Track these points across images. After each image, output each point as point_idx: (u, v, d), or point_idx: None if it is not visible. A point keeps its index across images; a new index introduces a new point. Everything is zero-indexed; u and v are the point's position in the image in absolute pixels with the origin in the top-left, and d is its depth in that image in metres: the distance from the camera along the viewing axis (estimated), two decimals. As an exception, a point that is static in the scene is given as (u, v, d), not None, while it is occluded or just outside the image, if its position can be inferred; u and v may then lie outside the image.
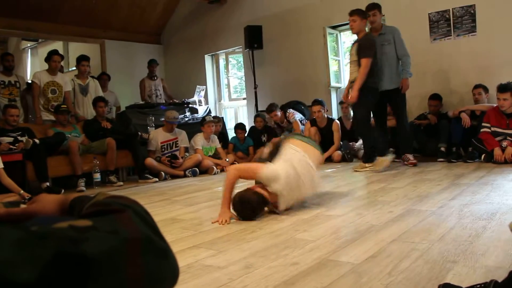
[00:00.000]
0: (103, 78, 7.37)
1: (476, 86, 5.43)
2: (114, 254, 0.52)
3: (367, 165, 4.91)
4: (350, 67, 5.06)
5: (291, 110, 6.69)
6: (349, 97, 4.93)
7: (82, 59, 6.56)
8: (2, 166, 4.49)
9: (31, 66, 10.50)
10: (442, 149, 5.32)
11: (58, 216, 0.70)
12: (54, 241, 0.49)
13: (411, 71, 5.07)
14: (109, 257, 0.51)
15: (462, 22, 5.85)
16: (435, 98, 5.73)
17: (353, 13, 4.93)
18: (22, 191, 4.43)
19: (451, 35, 5.95)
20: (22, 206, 0.77)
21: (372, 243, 2.02)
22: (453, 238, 2.00)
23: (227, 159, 6.44)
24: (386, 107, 5.31)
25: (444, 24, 5.99)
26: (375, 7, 5.09)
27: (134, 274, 0.53)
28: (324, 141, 6.22)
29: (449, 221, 2.33)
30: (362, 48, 4.79)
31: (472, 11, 5.78)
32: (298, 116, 6.63)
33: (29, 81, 6.54)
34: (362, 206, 3.02)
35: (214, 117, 7.10)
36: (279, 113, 6.72)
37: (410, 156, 5.11)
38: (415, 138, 5.70)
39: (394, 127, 5.37)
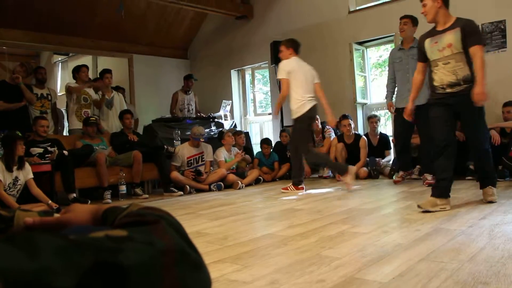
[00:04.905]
0: (119, 92, 7.49)
1: (506, 104, 5.31)
2: (150, 265, 0.52)
3: (439, 201, 3.33)
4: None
5: (329, 127, 6.67)
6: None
7: (105, 72, 6.69)
8: (32, 177, 4.60)
9: (61, 79, 10.77)
10: (471, 167, 5.21)
11: (92, 226, 0.71)
12: (93, 250, 0.50)
13: None
14: (146, 268, 0.52)
15: (492, 37, 5.76)
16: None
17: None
18: (50, 201, 4.53)
19: (480, 52, 5.85)
20: (56, 215, 0.78)
21: (400, 262, 1.98)
22: (484, 259, 1.94)
23: (243, 153, 6.56)
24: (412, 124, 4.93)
25: (473, 41, 5.91)
26: (407, 16, 5.04)
27: (170, 286, 0.53)
28: (351, 157, 6.20)
29: (480, 241, 2.27)
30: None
31: (502, 27, 5.70)
32: (334, 135, 6.62)
33: (60, 94, 6.73)
34: (388, 223, 2.97)
35: (232, 129, 7.18)
36: (319, 122, 6.70)
37: (429, 176, 4.89)
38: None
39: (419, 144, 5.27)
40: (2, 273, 0.43)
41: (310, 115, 5.09)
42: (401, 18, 5.08)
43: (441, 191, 3.33)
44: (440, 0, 3.41)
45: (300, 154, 5.24)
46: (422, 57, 3.63)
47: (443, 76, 3.45)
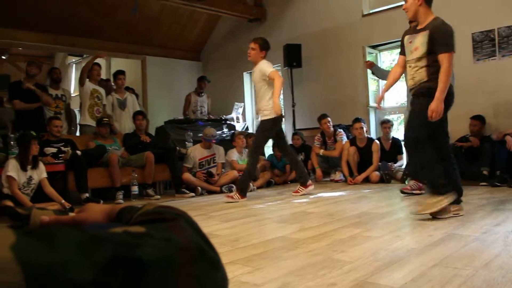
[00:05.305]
0: (129, 92, 7.54)
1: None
2: (168, 261, 0.53)
3: (451, 208, 3.23)
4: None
5: (341, 131, 6.66)
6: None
7: (118, 73, 6.76)
8: (46, 176, 4.64)
9: (75, 80, 10.88)
10: (485, 172, 5.15)
11: (108, 224, 0.71)
12: (112, 245, 0.51)
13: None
14: (163, 264, 0.52)
15: (508, 42, 5.70)
16: (476, 118, 5.58)
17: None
18: (63, 201, 4.56)
19: (495, 56, 5.81)
20: (71, 214, 0.78)
21: (412, 267, 1.96)
22: (499, 266, 1.92)
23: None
24: None
25: (488, 44, 5.86)
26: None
27: (186, 283, 0.54)
28: (363, 161, 6.18)
29: (494, 248, 2.24)
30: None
31: (519, 31, 5.65)
32: (345, 138, 6.59)
33: (73, 95, 6.81)
34: (400, 228, 2.94)
35: (244, 131, 7.19)
36: (331, 124, 6.68)
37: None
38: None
39: None
40: (22, 263, 0.44)
41: (280, 118, 5.08)
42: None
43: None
44: None
45: (292, 154, 5.21)
46: (402, 50, 3.51)
47: (408, 79, 3.41)
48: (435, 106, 3.12)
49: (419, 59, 3.26)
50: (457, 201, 3.28)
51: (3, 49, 10.52)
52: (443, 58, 3.13)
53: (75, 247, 0.48)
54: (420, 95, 3.29)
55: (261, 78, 4.99)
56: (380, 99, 3.93)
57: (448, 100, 3.20)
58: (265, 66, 4.98)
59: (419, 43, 3.25)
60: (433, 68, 3.19)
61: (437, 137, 3.32)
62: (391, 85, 3.79)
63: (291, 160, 5.31)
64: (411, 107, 3.42)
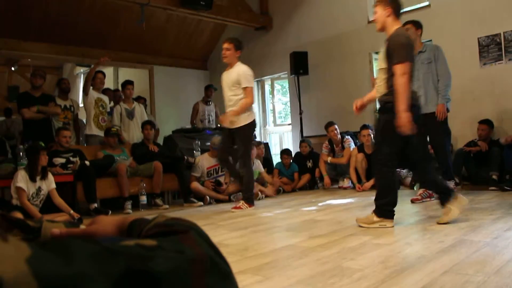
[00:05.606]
0: (140, 102, 7.56)
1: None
2: (181, 273, 0.53)
3: (450, 206, 3.20)
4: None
5: (349, 137, 6.64)
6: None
7: (126, 83, 6.77)
8: (55, 186, 4.66)
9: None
10: (494, 177, 5.12)
11: (119, 237, 0.71)
12: (124, 258, 0.51)
13: (452, 95, 4.66)
14: (176, 276, 0.52)
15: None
16: (484, 122, 5.56)
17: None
18: (72, 211, 4.58)
19: (502, 60, 5.79)
20: (82, 227, 0.79)
21: (423, 274, 1.95)
22: (511, 272, 1.90)
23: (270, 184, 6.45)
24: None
25: (494, 48, 5.84)
26: (408, 22, 4.60)
27: None
28: (371, 168, 6.14)
29: (506, 253, 2.22)
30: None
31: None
32: (353, 145, 6.58)
33: (81, 105, 6.84)
34: (410, 235, 2.93)
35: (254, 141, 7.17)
36: (338, 132, 6.67)
37: (450, 184, 4.54)
38: (464, 166, 5.53)
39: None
40: (38, 277, 0.44)
41: (255, 123, 5.09)
42: (403, 24, 4.82)
43: (445, 197, 3.23)
44: (390, 8, 3.20)
45: (232, 166, 5.15)
46: None
47: None
48: (399, 122, 3.03)
49: (381, 70, 3.24)
50: (452, 195, 3.21)
51: (13, 60, 10.64)
52: (396, 70, 3.06)
53: (89, 260, 0.49)
54: (380, 111, 3.33)
55: (237, 82, 4.94)
56: (360, 103, 3.64)
57: (413, 111, 3.07)
58: (244, 74, 4.94)
59: (380, 56, 3.26)
60: (391, 81, 3.14)
61: (410, 144, 3.26)
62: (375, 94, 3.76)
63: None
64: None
